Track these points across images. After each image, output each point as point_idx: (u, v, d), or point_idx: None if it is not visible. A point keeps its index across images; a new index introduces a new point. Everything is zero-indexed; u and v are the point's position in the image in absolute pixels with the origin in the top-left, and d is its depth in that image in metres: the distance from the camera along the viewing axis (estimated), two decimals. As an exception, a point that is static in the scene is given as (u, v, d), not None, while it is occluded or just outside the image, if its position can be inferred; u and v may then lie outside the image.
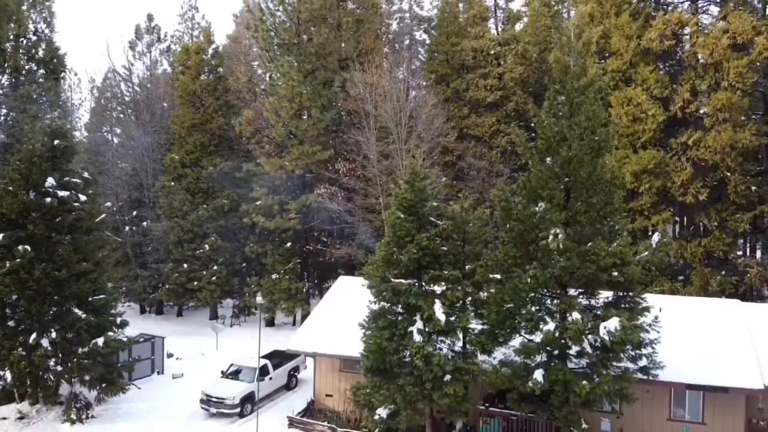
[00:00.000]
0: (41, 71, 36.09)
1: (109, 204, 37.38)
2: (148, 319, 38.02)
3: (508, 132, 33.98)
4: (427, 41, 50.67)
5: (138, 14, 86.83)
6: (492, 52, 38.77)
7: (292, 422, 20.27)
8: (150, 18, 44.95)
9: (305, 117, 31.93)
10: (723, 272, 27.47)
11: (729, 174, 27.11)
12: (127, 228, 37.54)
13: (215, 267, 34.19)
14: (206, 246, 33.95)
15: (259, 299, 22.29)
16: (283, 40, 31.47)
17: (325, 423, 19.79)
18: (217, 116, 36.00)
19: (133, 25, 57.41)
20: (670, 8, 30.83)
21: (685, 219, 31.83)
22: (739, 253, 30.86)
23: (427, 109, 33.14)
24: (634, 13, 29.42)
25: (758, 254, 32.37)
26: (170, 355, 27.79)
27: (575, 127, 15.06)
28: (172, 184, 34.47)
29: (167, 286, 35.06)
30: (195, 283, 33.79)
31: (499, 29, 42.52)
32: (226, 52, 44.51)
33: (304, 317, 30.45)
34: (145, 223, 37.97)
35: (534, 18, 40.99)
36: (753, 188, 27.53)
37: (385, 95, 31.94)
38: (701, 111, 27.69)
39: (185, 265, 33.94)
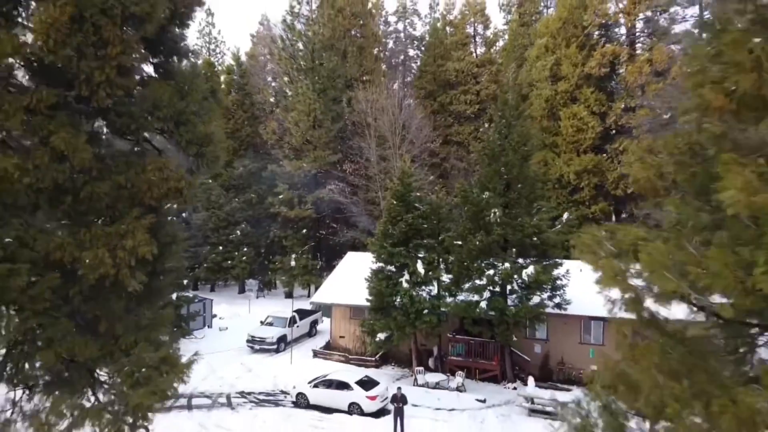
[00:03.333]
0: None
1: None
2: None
3: (483, 139, 40.70)
4: (419, 56, 57.47)
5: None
6: (472, 71, 45.53)
7: (315, 354, 27.08)
8: (182, 40, 51.46)
9: (318, 127, 38.56)
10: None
11: (651, 173, 33.83)
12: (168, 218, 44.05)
13: (245, 249, 40.86)
14: (238, 232, 40.61)
15: (292, 263, 28.96)
16: (301, 65, 38.12)
17: (339, 353, 26.60)
18: (245, 126, 42.68)
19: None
20: (615, 39, 37.56)
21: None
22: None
23: (417, 120, 39.89)
24: (581, 45, 36.16)
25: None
26: (214, 315, 34.50)
27: (511, 142, 21.80)
28: (210, 181, 41.11)
29: (205, 265, 41.66)
30: (229, 262, 40.46)
31: (478, 52, 49.23)
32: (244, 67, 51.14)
33: (316, 289, 37.07)
34: (183, 214, 44.55)
35: (512, 37, 47.70)
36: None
37: (383, 109, 38.70)
38: (630, 123, 34.45)
39: (220, 248, 40.61)
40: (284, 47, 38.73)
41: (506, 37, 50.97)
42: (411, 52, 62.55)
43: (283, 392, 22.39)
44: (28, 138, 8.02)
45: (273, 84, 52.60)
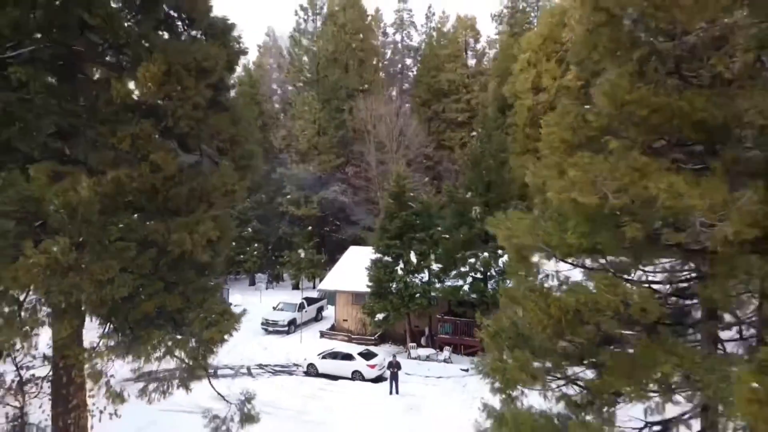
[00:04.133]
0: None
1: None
2: (202, 286, 48.02)
3: (469, 146, 44.04)
4: (416, 64, 60.82)
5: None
6: (464, 82, 48.89)
7: (322, 334, 30.38)
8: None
9: (323, 134, 41.88)
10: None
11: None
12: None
13: (256, 245, 44.12)
14: (249, 229, 43.87)
15: (302, 254, 32.27)
16: (307, 77, 41.44)
17: (343, 334, 29.91)
18: (256, 132, 45.92)
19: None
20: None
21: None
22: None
23: (413, 127, 43.21)
24: (560, 60, 39.43)
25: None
26: (230, 304, 37.72)
27: (490, 150, 25.14)
28: (223, 183, 44.36)
29: (219, 259, 44.85)
30: (241, 256, 43.72)
31: (469, 64, 52.60)
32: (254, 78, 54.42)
33: (320, 281, 40.36)
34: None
35: (503, 47, 50.93)
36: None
37: (381, 118, 42.02)
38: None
39: (233, 243, 43.88)
40: (292, 61, 42.06)
41: (498, 46, 54.27)
42: (408, 61, 65.93)
43: (295, 365, 25.69)
44: (132, 155, 11.34)
45: (278, 91, 55.93)
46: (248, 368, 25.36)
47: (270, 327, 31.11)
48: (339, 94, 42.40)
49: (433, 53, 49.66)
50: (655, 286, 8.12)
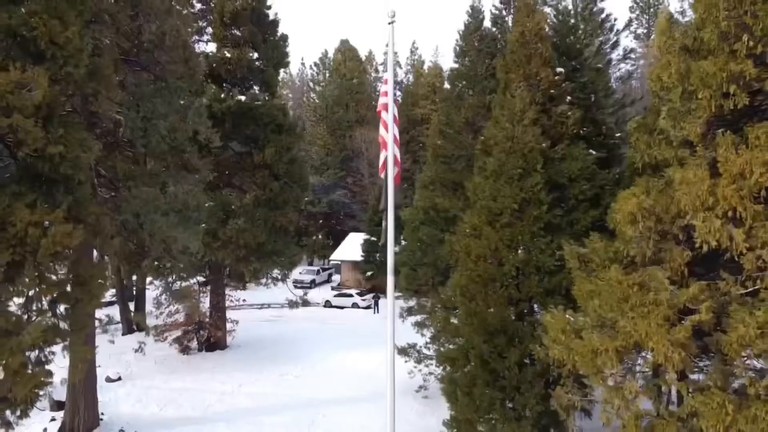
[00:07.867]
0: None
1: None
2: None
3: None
4: (399, 95, 74.70)
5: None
6: (431, 116, 62.77)
7: (333, 288, 44.40)
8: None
9: (330, 154, 55.67)
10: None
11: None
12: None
13: (282, 233, 57.95)
14: (277, 222, 57.73)
15: (320, 236, 46.24)
16: (319, 115, 55.31)
17: (346, 288, 43.97)
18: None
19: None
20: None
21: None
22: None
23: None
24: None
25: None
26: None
27: (436, 171, 39.17)
28: (258, 189, 58.26)
29: (255, 244, 58.75)
30: (271, 241, 57.55)
31: (437, 100, 66.56)
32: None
33: (327, 259, 54.22)
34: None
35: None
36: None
37: (372, 142, 55.88)
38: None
39: (266, 232, 57.68)
40: (307, 102, 55.93)
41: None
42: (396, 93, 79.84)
43: (317, 303, 39.70)
44: (260, 185, 25.35)
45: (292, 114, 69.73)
46: (289, 302, 39.31)
47: (298, 284, 44.99)
48: (342, 125, 56.23)
49: (411, 91, 63.48)
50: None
